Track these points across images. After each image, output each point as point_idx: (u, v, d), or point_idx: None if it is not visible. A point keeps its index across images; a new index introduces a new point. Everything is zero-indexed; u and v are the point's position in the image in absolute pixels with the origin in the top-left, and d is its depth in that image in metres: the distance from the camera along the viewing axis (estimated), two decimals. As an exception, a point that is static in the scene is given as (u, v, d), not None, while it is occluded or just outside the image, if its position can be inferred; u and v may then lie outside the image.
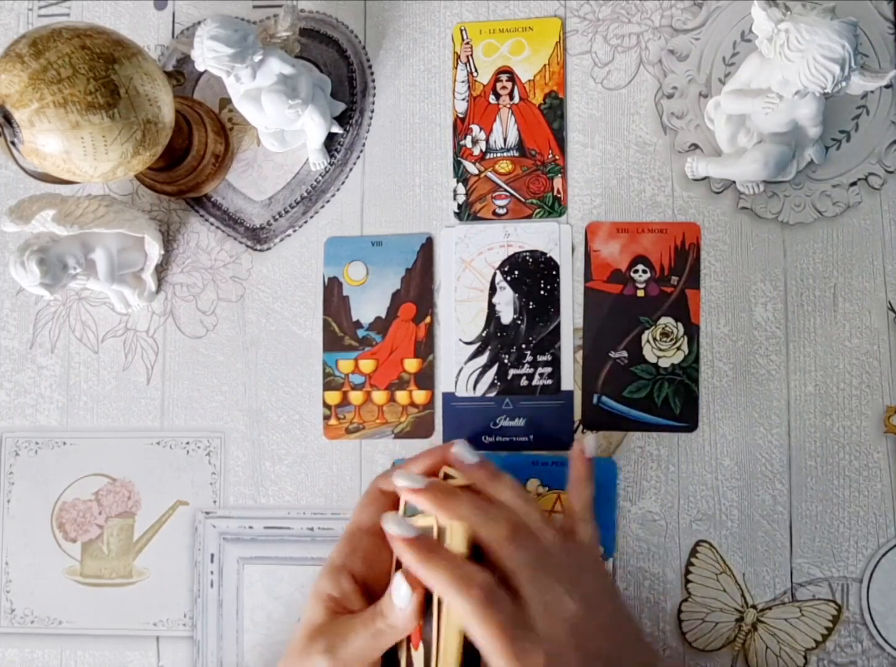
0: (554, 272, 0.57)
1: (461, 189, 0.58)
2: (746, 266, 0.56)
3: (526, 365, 0.56)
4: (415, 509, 0.45)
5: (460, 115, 0.59)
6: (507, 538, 0.42)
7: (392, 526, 0.42)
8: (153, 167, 0.56)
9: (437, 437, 0.57)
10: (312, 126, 0.56)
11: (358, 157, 0.59)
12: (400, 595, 0.41)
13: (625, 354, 0.56)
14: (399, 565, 0.44)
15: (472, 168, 0.58)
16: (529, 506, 0.45)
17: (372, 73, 0.60)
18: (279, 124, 0.56)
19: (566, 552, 0.43)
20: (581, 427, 0.55)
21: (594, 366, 0.56)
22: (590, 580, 0.43)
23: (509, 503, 0.44)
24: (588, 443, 0.49)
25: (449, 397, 0.57)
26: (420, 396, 0.57)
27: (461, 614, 0.39)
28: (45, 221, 0.51)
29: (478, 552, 0.43)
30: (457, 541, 0.42)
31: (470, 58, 0.59)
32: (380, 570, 0.45)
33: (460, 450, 0.46)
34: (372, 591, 0.45)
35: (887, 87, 0.56)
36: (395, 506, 0.46)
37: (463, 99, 0.59)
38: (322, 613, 0.44)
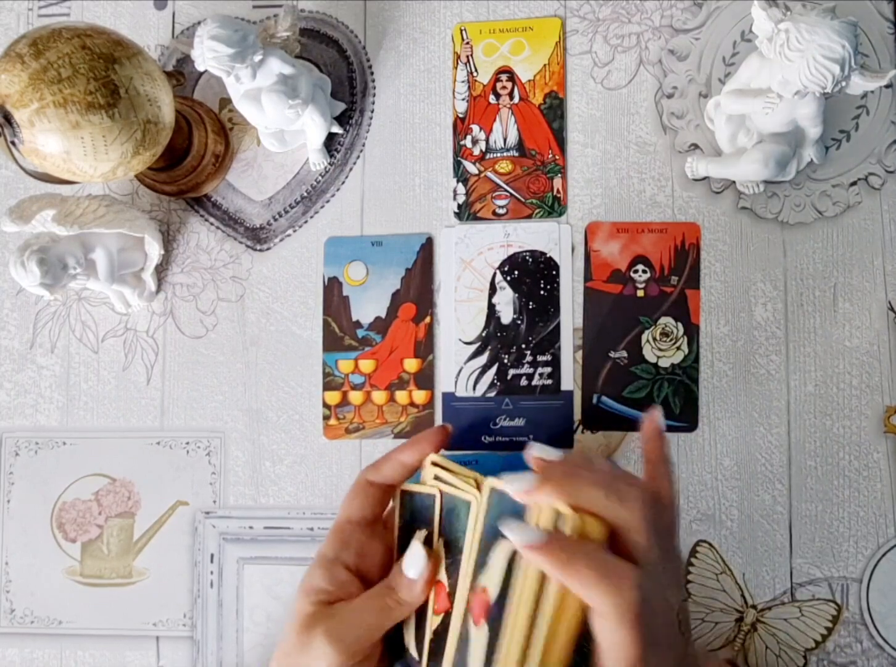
0: (554, 272, 0.57)
1: (461, 189, 0.58)
2: (746, 266, 0.56)
3: (526, 365, 0.56)
4: (416, 479, 0.44)
5: (460, 116, 0.59)
6: (643, 521, 0.38)
7: (518, 535, 0.38)
8: (153, 167, 0.56)
9: (437, 437, 0.56)
10: (312, 126, 0.56)
11: (358, 157, 0.59)
12: (417, 566, 0.40)
13: (625, 354, 0.56)
14: (400, 553, 0.44)
15: (472, 168, 0.58)
16: (645, 484, 0.41)
17: (372, 73, 0.60)
18: (279, 124, 0.56)
19: (672, 540, 0.41)
20: (581, 427, 0.55)
21: (594, 366, 0.56)
22: (679, 568, 0.43)
23: (622, 478, 0.40)
24: (659, 417, 0.46)
25: (449, 397, 0.57)
26: (420, 396, 0.57)
27: (601, 614, 0.36)
28: (45, 221, 0.51)
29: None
30: (593, 534, 0.38)
31: (470, 58, 0.59)
32: (371, 562, 0.45)
33: (539, 451, 0.42)
34: (366, 581, 0.44)
35: (887, 87, 0.56)
36: (385, 497, 0.46)
37: (463, 99, 0.59)
38: (312, 603, 0.43)
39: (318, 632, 0.41)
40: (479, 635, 0.39)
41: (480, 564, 0.40)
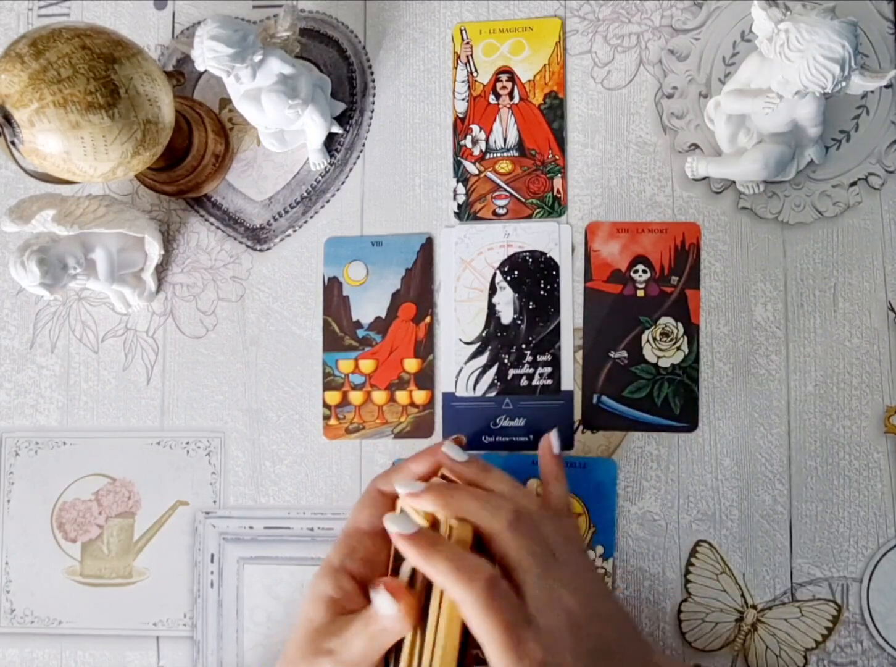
0: (554, 272, 0.57)
1: (461, 189, 0.58)
2: (746, 266, 0.56)
3: (526, 365, 0.56)
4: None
5: (460, 116, 0.59)
6: (508, 527, 0.42)
7: (392, 524, 0.41)
8: (153, 167, 0.56)
9: (437, 437, 0.57)
10: (312, 126, 0.56)
11: (358, 157, 0.59)
12: (382, 605, 0.41)
13: (625, 354, 0.56)
14: (395, 568, 0.44)
15: (472, 168, 0.58)
16: (525, 496, 0.45)
17: (372, 73, 0.60)
18: (279, 124, 0.56)
19: (563, 542, 0.43)
20: (581, 427, 0.55)
21: (594, 366, 0.56)
22: (584, 571, 0.43)
23: (506, 493, 0.44)
24: (553, 439, 0.50)
25: (449, 397, 0.57)
26: (420, 396, 0.57)
27: (463, 606, 0.39)
28: (45, 221, 0.51)
29: (480, 549, 0.43)
30: (460, 536, 0.42)
31: (470, 58, 0.59)
32: (379, 571, 0.45)
33: (449, 449, 0.46)
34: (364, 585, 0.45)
35: (887, 87, 0.56)
36: (394, 506, 0.46)
37: (463, 99, 0.59)
38: (323, 613, 0.43)
39: (323, 656, 0.42)
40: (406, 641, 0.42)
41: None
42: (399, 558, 0.44)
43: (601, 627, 0.41)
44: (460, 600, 0.39)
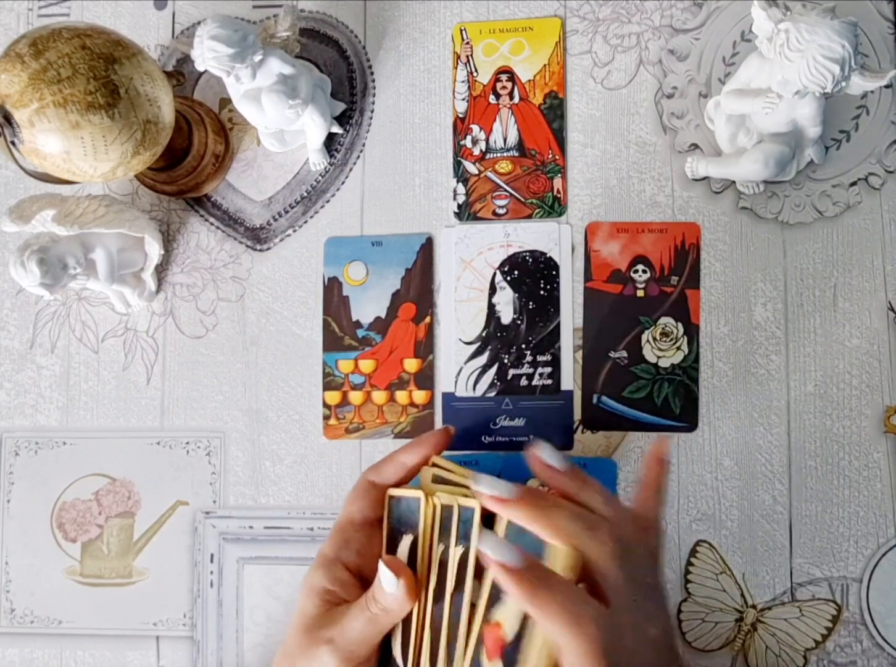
0: (554, 272, 0.57)
1: (461, 189, 0.58)
2: (746, 266, 0.56)
3: (526, 365, 0.56)
4: (416, 483, 0.44)
5: (460, 116, 0.59)
6: (612, 558, 0.38)
7: (491, 551, 0.38)
8: (153, 167, 0.56)
9: (437, 437, 0.56)
10: (312, 126, 0.56)
11: (358, 157, 0.59)
12: (387, 582, 0.41)
13: (625, 354, 0.56)
14: (389, 550, 0.44)
15: (472, 168, 0.58)
16: (620, 513, 0.41)
17: (372, 73, 0.60)
18: (279, 124, 0.56)
19: (655, 572, 0.42)
20: (581, 427, 0.55)
21: (594, 366, 0.56)
22: (662, 600, 0.42)
23: (605, 514, 0.41)
24: (665, 446, 0.46)
25: (449, 397, 0.57)
26: (420, 396, 0.57)
27: (569, 651, 0.37)
28: (45, 221, 0.51)
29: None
30: (567, 565, 0.38)
31: (470, 58, 0.59)
32: (373, 562, 0.45)
33: (545, 453, 0.42)
34: (366, 582, 0.45)
35: (887, 87, 0.56)
36: (384, 498, 0.46)
37: (463, 99, 0.59)
38: (318, 604, 0.43)
39: (322, 644, 0.42)
40: None
41: (494, 596, 0.40)
42: (392, 545, 0.44)
43: (674, 655, 0.40)
44: (568, 646, 0.37)
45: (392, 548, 0.44)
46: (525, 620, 0.39)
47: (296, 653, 0.43)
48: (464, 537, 0.41)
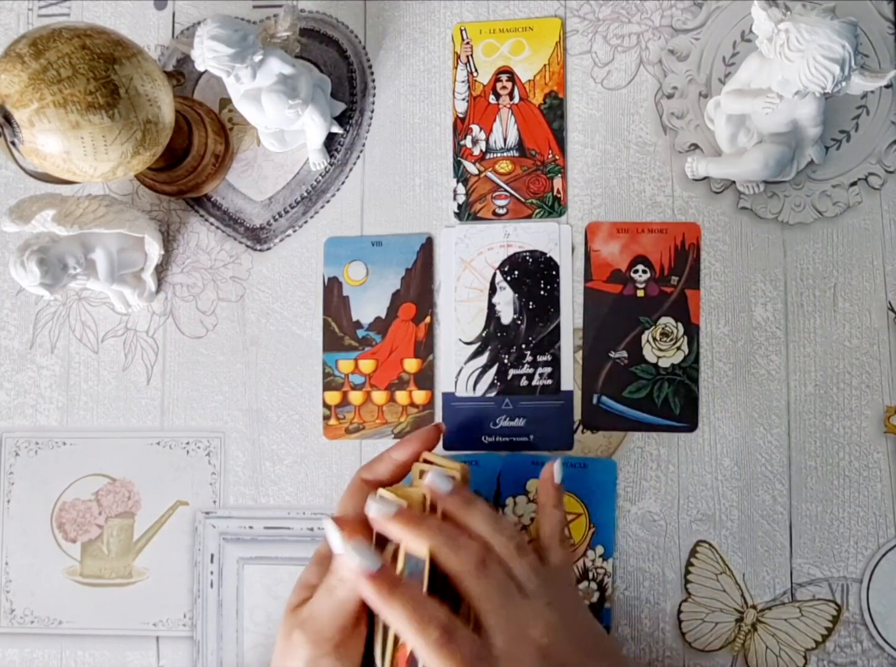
0: (554, 272, 0.57)
1: (461, 189, 0.58)
2: (746, 266, 0.56)
3: (526, 365, 0.56)
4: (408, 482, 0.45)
5: (460, 115, 0.59)
6: (472, 570, 0.42)
7: (353, 554, 0.41)
8: (153, 167, 0.56)
9: (437, 437, 0.57)
10: (312, 126, 0.56)
11: (358, 157, 0.59)
12: (334, 544, 0.42)
13: (625, 354, 0.56)
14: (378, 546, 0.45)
15: (472, 168, 0.58)
16: (502, 534, 0.44)
17: (372, 73, 0.60)
18: (279, 124, 0.56)
19: (537, 579, 0.43)
20: (581, 427, 0.55)
21: (594, 366, 0.56)
22: (561, 605, 0.43)
23: (480, 531, 0.44)
24: (556, 469, 0.49)
25: (449, 397, 0.57)
26: (420, 396, 0.57)
27: (418, 652, 0.40)
28: (45, 221, 0.51)
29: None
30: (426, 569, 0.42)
31: (470, 58, 0.59)
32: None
33: (434, 479, 0.45)
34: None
35: (887, 87, 0.56)
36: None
37: (463, 99, 0.59)
38: (299, 598, 0.45)
39: (295, 628, 0.44)
40: None
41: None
42: (381, 543, 0.45)
43: (576, 656, 0.42)
44: (417, 646, 0.40)
45: (383, 541, 0.45)
46: None
47: (278, 644, 0.45)
48: None
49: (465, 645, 0.40)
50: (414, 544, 0.42)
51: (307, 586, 0.46)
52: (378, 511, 0.43)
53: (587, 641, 0.44)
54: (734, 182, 0.56)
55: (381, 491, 0.45)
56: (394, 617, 0.40)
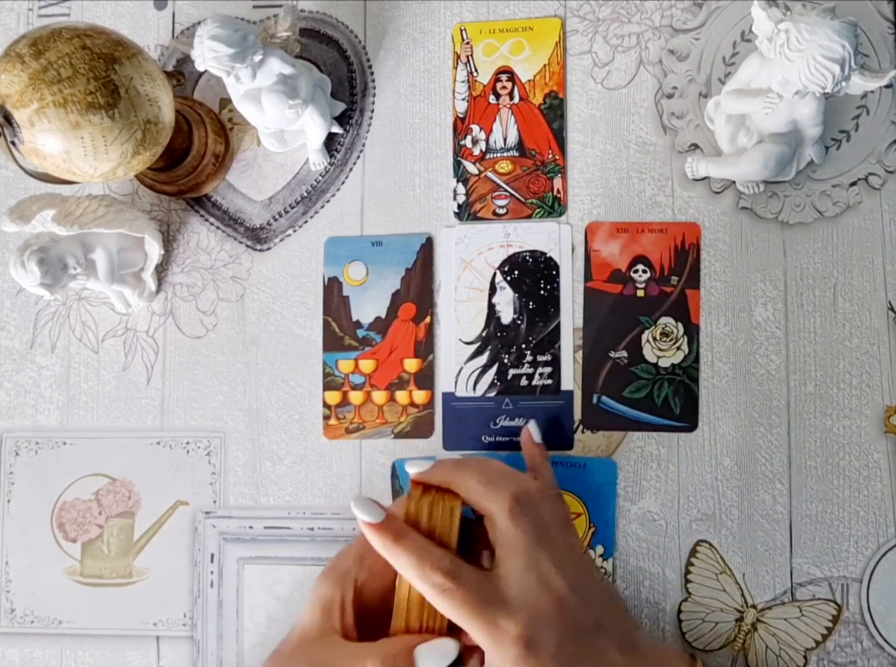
0: (554, 272, 0.57)
1: (461, 189, 0.58)
2: (746, 266, 0.56)
3: (526, 365, 0.56)
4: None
5: (460, 116, 0.59)
6: (508, 509, 0.43)
7: (358, 511, 0.43)
8: (153, 167, 0.56)
9: (436, 437, 0.57)
10: (312, 126, 0.56)
11: (358, 157, 0.59)
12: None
13: (625, 354, 0.56)
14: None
15: (472, 168, 0.58)
16: (524, 478, 0.46)
17: (372, 73, 0.60)
18: (279, 124, 0.56)
19: (556, 524, 0.44)
20: (581, 427, 0.55)
21: (594, 366, 0.56)
22: (574, 553, 0.45)
23: (507, 475, 0.45)
24: (533, 430, 0.53)
25: (449, 397, 0.57)
26: (420, 396, 0.57)
27: (429, 598, 0.41)
28: (45, 221, 0.51)
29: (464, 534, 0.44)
30: (442, 525, 0.44)
31: (470, 58, 0.59)
32: (382, 579, 0.46)
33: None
34: (368, 598, 0.45)
35: (887, 87, 0.56)
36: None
37: (463, 99, 0.59)
38: (319, 619, 0.45)
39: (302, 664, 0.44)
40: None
41: None
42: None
43: (587, 606, 0.43)
44: (423, 590, 0.41)
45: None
46: None
47: (279, 664, 0.45)
48: None
49: (472, 588, 0.41)
50: (453, 483, 0.44)
51: (328, 602, 0.45)
52: (415, 468, 0.45)
53: (601, 597, 0.45)
54: (734, 182, 0.56)
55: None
56: (399, 564, 0.42)
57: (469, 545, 0.45)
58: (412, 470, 0.45)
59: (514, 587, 0.41)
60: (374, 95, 0.60)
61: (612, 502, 0.55)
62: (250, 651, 0.57)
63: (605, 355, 0.56)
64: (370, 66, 0.60)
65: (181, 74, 0.54)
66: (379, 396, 0.57)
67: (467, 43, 0.59)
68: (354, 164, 0.59)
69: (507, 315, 0.57)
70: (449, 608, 0.40)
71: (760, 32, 0.47)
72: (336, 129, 0.59)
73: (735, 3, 0.57)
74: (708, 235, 0.56)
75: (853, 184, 0.56)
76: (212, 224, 0.60)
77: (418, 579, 0.41)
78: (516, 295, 0.57)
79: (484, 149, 0.58)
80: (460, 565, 0.41)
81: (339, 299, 0.58)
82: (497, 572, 0.42)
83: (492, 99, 0.59)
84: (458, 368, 0.57)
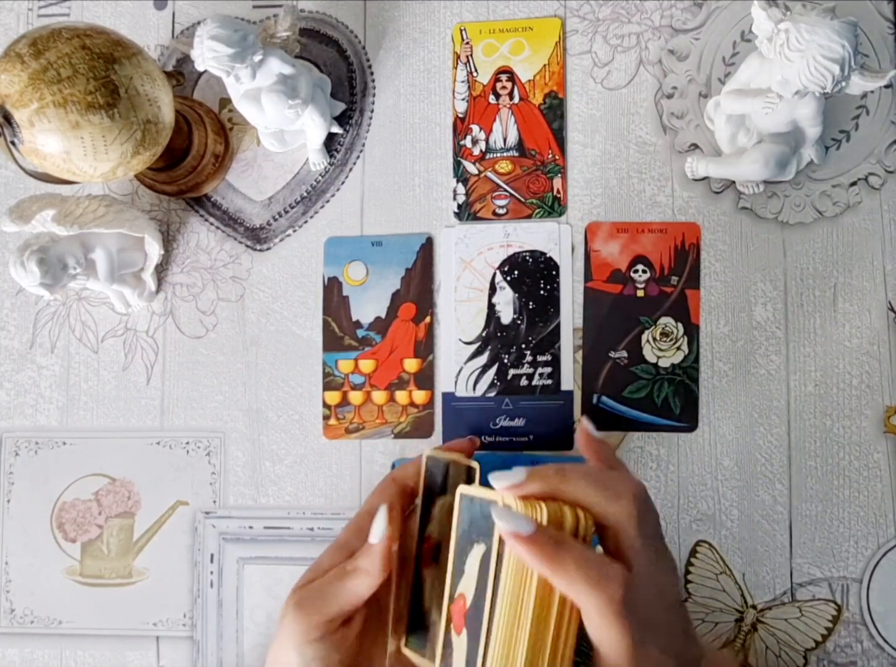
0: (554, 272, 0.57)
1: (461, 189, 0.58)
2: (746, 266, 0.56)
3: (526, 365, 0.56)
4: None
5: (460, 116, 0.59)
6: (633, 517, 0.38)
7: (503, 521, 0.37)
8: (153, 167, 0.56)
9: (436, 437, 0.57)
10: (312, 126, 0.56)
11: (358, 157, 0.59)
12: (376, 529, 0.42)
13: (625, 354, 0.56)
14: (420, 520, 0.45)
15: (472, 168, 0.58)
16: (639, 482, 0.41)
17: (372, 73, 0.60)
18: (279, 124, 0.56)
19: (661, 533, 0.41)
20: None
21: (594, 366, 0.56)
22: (671, 559, 0.41)
23: (624, 473, 0.42)
24: (588, 425, 0.47)
25: (449, 397, 0.57)
26: (420, 396, 0.57)
27: (591, 611, 0.36)
28: (45, 221, 0.51)
29: None
30: (586, 530, 0.38)
31: (470, 58, 0.59)
32: None
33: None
34: None
35: (887, 87, 0.56)
36: (410, 496, 0.46)
37: (463, 99, 0.59)
38: (309, 577, 0.44)
39: (293, 605, 0.42)
40: (459, 644, 0.38)
41: (458, 572, 0.40)
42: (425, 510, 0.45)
43: (684, 612, 0.41)
44: (591, 606, 0.36)
45: (425, 510, 0.45)
46: (483, 581, 0.38)
47: (279, 621, 0.43)
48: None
49: (638, 604, 0.36)
50: (564, 493, 0.38)
51: (319, 568, 0.44)
52: (506, 480, 0.39)
53: (680, 600, 0.42)
54: (734, 182, 0.56)
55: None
56: (568, 577, 0.36)
57: None
58: (501, 483, 0.38)
59: (645, 602, 0.37)
60: (374, 95, 0.60)
61: (612, 502, 0.55)
62: (250, 651, 0.57)
63: (605, 355, 0.56)
64: (370, 66, 0.60)
65: (181, 74, 0.54)
66: (379, 397, 0.57)
67: (467, 43, 0.59)
68: (354, 164, 0.59)
69: (507, 315, 0.57)
70: (612, 627, 0.36)
71: (760, 32, 0.47)
72: (336, 129, 0.59)
73: (735, 3, 0.57)
74: (708, 235, 0.56)
75: (853, 184, 0.56)
76: (212, 224, 0.60)
77: (592, 591, 0.36)
78: (516, 295, 0.57)
79: (484, 149, 0.58)
80: (631, 581, 0.37)
81: (339, 299, 0.58)
82: (635, 579, 0.37)
83: (492, 99, 0.59)
84: (458, 368, 0.57)
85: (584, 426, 0.46)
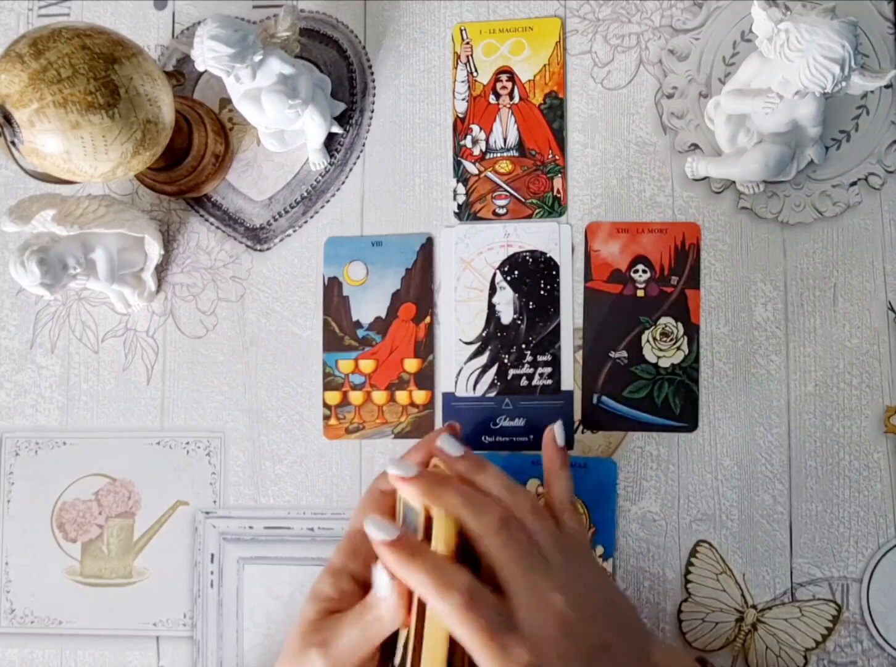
0: (554, 272, 0.57)
1: (461, 189, 0.58)
2: (746, 266, 0.56)
3: (526, 365, 0.56)
4: (412, 509, 0.44)
5: (460, 115, 0.59)
6: (495, 532, 0.41)
7: (372, 529, 0.41)
8: (153, 167, 0.56)
9: (437, 437, 0.56)
10: (312, 126, 0.56)
11: (358, 157, 0.59)
12: (380, 585, 0.41)
13: (625, 354, 0.56)
14: None
15: (472, 168, 0.58)
16: (518, 496, 0.44)
17: (372, 73, 0.60)
18: (279, 124, 0.56)
19: (556, 544, 0.43)
20: (581, 427, 0.55)
21: (594, 366, 0.56)
22: (580, 570, 0.43)
23: (497, 494, 0.43)
24: (557, 431, 0.49)
25: (449, 397, 0.57)
26: (420, 396, 0.57)
27: (444, 617, 0.39)
28: (45, 221, 0.51)
29: (467, 543, 0.42)
30: (445, 533, 0.41)
31: (470, 58, 0.59)
32: None
33: (443, 443, 0.45)
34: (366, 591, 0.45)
35: (887, 87, 0.56)
36: (395, 505, 0.46)
37: (463, 99, 0.59)
38: (318, 611, 0.44)
39: (314, 647, 0.42)
40: (401, 637, 0.42)
41: None
42: None
43: (596, 625, 0.41)
44: (440, 611, 0.39)
45: None
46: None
47: (290, 656, 0.43)
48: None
49: (490, 611, 0.39)
50: (435, 503, 0.42)
51: (324, 598, 0.44)
52: (399, 469, 0.43)
53: (608, 610, 0.43)
54: (734, 182, 0.56)
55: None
56: (416, 581, 0.39)
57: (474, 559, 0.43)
58: (393, 470, 0.43)
59: (521, 611, 0.40)
60: (374, 95, 0.60)
61: (613, 502, 0.55)
62: (250, 651, 0.57)
63: (605, 355, 0.56)
64: (370, 66, 0.60)
65: (181, 74, 0.54)
66: (379, 397, 0.57)
67: (467, 43, 0.59)
68: (354, 164, 0.59)
69: (507, 315, 0.57)
70: (464, 630, 0.38)
71: (760, 32, 0.47)
72: (336, 129, 0.59)
73: (735, 3, 0.57)
74: (708, 235, 0.56)
75: (853, 184, 0.56)
76: (212, 224, 0.60)
77: (436, 598, 0.39)
78: (516, 295, 0.57)
79: (484, 149, 0.58)
80: (477, 585, 0.40)
81: (339, 299, 0.58)
82: (507, 595, 0.40)
83: (492, 99, 0.59)
84: (458, 369, 0.57)
85: (554, 430, 0.49)
